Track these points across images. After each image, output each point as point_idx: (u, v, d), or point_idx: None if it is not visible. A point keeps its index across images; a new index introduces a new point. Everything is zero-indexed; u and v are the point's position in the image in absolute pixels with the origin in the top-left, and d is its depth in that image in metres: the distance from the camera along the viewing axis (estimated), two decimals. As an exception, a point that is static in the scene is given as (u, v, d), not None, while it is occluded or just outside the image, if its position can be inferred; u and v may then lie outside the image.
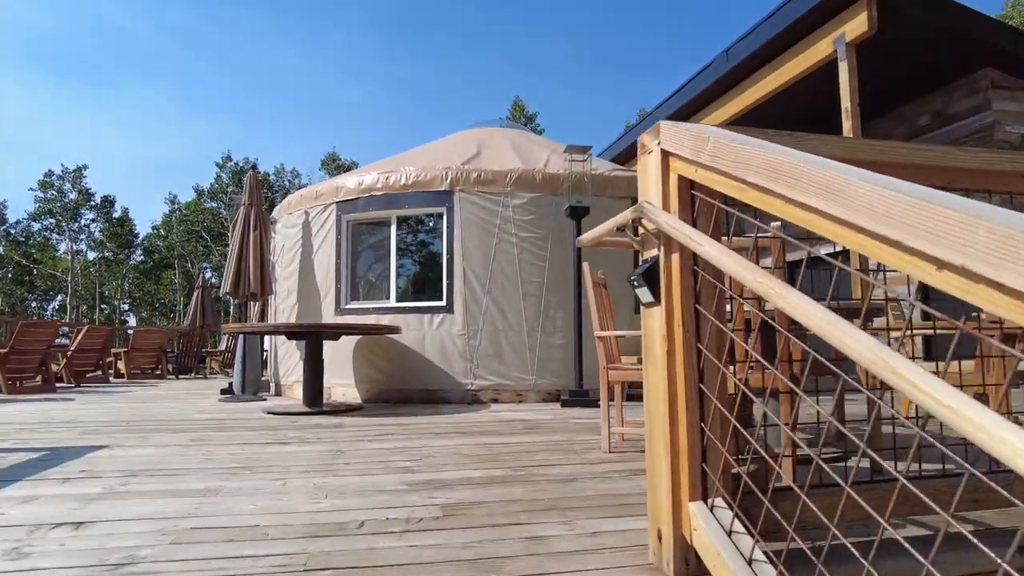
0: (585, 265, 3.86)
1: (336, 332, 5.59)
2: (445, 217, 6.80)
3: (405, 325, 6.74)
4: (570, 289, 6.62)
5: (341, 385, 6.94)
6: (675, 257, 1.70)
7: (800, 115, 10.86)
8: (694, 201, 1.72)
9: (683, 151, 1.67)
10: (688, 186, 1.72)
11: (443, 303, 6.70)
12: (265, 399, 7.27)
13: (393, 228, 7.04)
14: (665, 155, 1.76)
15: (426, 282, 7.19)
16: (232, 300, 7.79)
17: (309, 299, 7.39)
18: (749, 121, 10.83)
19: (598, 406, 6.06)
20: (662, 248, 1.74)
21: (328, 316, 7.18)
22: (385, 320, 6.83)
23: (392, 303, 6.93)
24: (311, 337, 5.64)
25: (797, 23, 8.59)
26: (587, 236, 2.25)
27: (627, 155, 14.24)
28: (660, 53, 71.36)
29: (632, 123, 46.98)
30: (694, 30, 69.72)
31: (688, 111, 11.51)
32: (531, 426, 4.72)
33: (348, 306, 7.12)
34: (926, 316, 5.15)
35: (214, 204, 45.27)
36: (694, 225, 1.71)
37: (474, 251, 6.67)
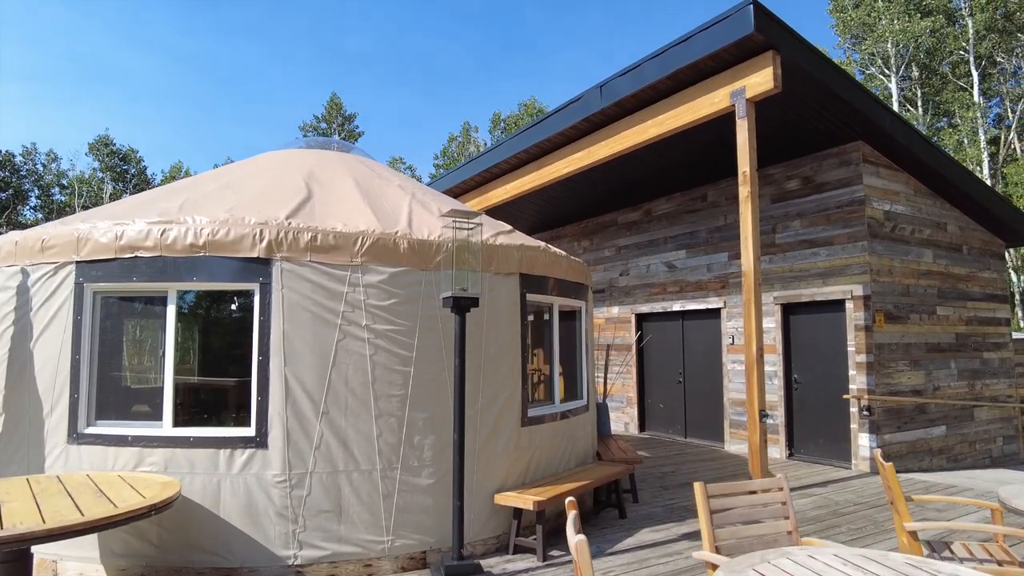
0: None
1: (42, 539, 3.08)
2: (258, 298, 4.52)
3: (188, 465, 4.34)
4: (445, 402, 4.74)
5: (80, 560, 4.32)
6: None
7: (679, 165, 10.03)
8: None
9: None
10: None
11: (251, 432, 4.42)
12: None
13: (171, 310, 4.58)
14: None
15: (225, 398, 4.82)
16: None
17: (23, 414, 4.61)
18: (622, 167, 9.76)
19: (489, 590, 4.24)
20: None
21: (55, 445, 4.50)
22: (155, 458, 4.36)
23: (166, 430, 4.46)
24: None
25: (689, 68, 7.56)
26: None
27: (470, 186, 12.59)
28: (479, 65, 71.10)
29: (455, 135, 45.67)
30: (509, 49, 70.53)
31: (549, 146, 10.17)
32: None
33: (91, 431, 4.50)
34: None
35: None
36: None
37: (304, 351, 4.49)
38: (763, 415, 6.90)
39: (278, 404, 4.41)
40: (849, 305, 8.39)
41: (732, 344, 9.88)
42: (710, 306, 10.29)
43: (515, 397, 5.28)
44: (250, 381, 4.48)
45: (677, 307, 10.91)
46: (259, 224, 4.57)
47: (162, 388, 4.53)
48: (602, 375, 11.26)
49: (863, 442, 8.13)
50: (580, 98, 9.20)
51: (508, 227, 6.13)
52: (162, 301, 4.64)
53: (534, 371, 6.52)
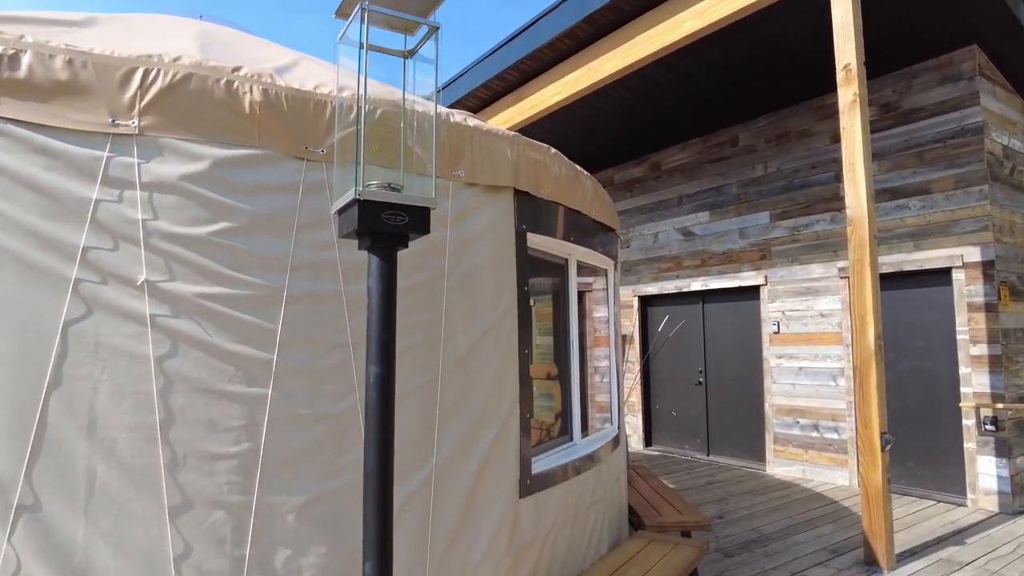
0: None
1: None
2: None
3: None
4: (354, 464, 2.04)
5: None
6: None
7: (708, 87, 7.34)
8: None
9: None
10: None
11: None
12: None
13: None
14: None
15: None
16: None
17: None
18: (625, 101, 7.19)
19: None
20: None
21: None
22: None
23: None
24: None
25: (751, -83, 4.99)
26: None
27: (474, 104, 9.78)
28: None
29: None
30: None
31: (534, 67, 7.50)
32: None
33: None
34: None
35: None
36: None
37: (-23, 348, 1.72)
38: (885, 440, 4.39)
39: None
40: (958, 276, 5.97)
41: (777, 333, 7.40)
42: (744, 283, 7.78)
43: (509, 438, 2.59)
44: None
45: (697, 286, 8.38)
46: None
47: None
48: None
49: (986, 468, 5.72)
50: (578, -10, 6.55)
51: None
52: None
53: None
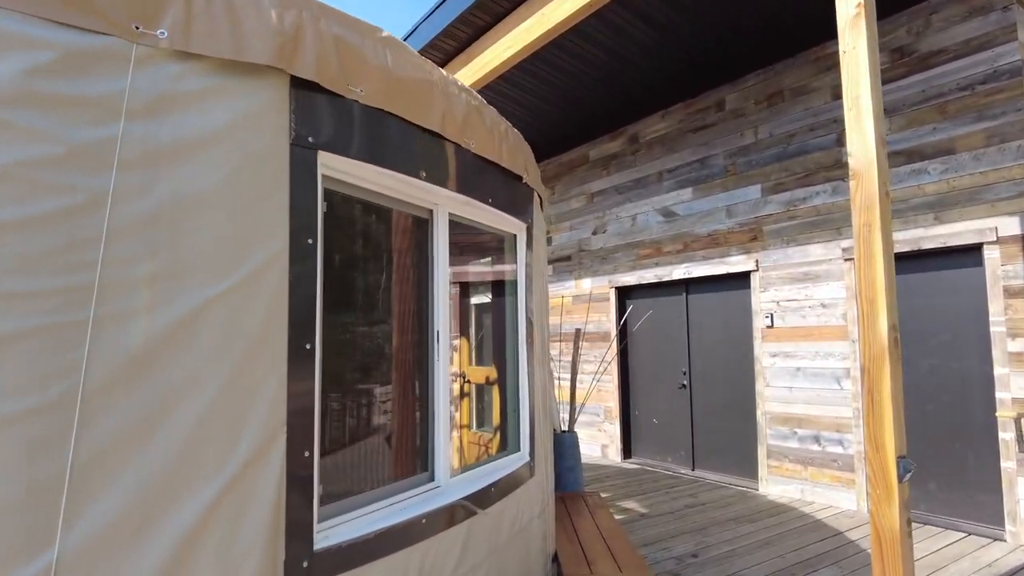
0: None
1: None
2: None
3: None
4: None
5: None
6: None
7: (726, 15, 6.18)
8: None
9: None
10: None
11: None
12: None
13: None
14: None
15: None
16: None
17: None
18: (593, 59, 6.09)
19: None
20: None
21: None
22: None
23: None
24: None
25: None
26: None
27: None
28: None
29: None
30: None
31: (486, 20, 6.40)
32: None
33: None
34: None
35: None
36: None
37: None
38: (904, 467, 3.26)
39: None
40: (991, 253, 4.84)
41: (770, 327, 6.28)
42: (732, 269, 6.66)
43: (258, 494, 1.50)
44: None
45: (679, 274, 7.27)
46: None
47: None
48: (568, 382, 7.59)
49: (1030, 495, 4.59)
50: (527, -80, 5.47)
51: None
52: None
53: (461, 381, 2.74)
